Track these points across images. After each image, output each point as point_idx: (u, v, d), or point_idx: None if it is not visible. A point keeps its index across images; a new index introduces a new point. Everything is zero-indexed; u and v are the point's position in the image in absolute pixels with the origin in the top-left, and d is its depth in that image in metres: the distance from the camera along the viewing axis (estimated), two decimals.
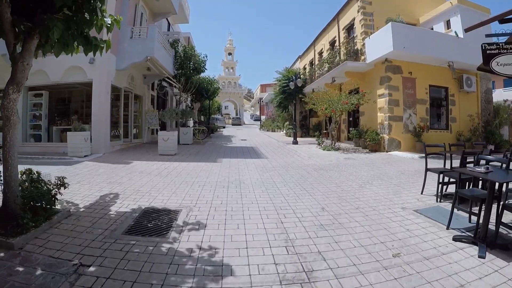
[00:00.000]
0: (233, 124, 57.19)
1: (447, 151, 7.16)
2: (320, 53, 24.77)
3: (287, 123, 27.38)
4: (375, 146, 14.11)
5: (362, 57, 15.73)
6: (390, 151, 13.86)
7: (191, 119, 27.29)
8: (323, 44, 23.96)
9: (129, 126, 16.04)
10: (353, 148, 15.20)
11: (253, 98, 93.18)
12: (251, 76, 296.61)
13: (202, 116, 33.47)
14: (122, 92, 14.89)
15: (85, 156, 10.97)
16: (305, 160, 11.09)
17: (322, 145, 15.14)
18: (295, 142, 17.11)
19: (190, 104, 25.73)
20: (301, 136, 23.06)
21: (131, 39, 13.73)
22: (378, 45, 14.27)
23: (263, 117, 46.14)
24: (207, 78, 23.74)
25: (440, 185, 6.03)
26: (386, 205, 5.56)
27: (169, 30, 21.54)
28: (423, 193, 6.48)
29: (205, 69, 18.45)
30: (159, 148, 11.87)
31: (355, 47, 16.05)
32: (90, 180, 7.29)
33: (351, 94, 14.85)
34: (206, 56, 18.49)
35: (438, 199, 5.96)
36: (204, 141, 19.10)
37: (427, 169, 6.58)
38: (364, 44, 15.62)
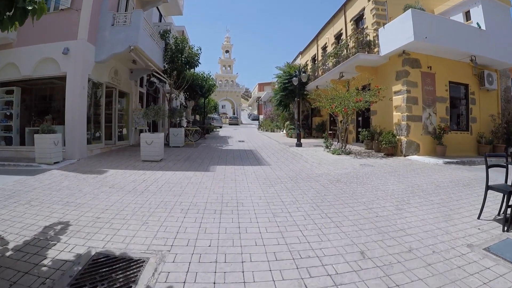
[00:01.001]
0: (230, 124, 55.47)
1: None
2: (324, 48, 23.08)
3: (288, 122, 25.67)
4: (391, 149, 12.41)
5: (375, 50, 14.03)
6: (408, 155, 12.18)
7: (184, 118, 25.54)
8: (327, 38, 22.27)
9: (113, 126, 14.28)
10: (365, 152, 13.52)
11: (250, 97, 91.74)
12: (249, 75, 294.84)
13: (197, 116, 31.67)
14: (104, 87, 13.13)
15: (55, 163, 9.29)
16: (315, 168, 9.36)
17: (331, 148, 13.42)
18: (298, 144, 15.38)
19: (184, 103, 23.91)
20: (304, 137, 21.35)
21: (113, 26, 11.99)
22: (394, 35, 12.57)
23: (261, 117, 44.38)
24: (201, 74, 21.97)
25: (509, 209, 4.42)
26: (446, 241, 3.90)
27: (160, 22, 19.74)
28: (481, 218, 4.81)
29: (199, 63, 16.70)
30: (141, 153, 10.12)
31: (367, 38, 14.32)
32: (44, 199, 5.56)
33: (363, 91, 13.14)
34: (200, 49, 16.72)
35: (505, 228, 4.31)
36: (197, 143, 17.35)
37: (488, 187, 4.86)
38: (377, 35, 13.92)
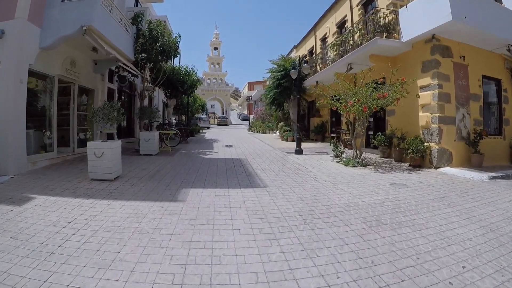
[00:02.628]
0: (219, 124, 52.68)
1: None
2: (324, 39, 20.45)
3: (282, 123, 22.99)
4: (419, 159, 9.78)
5: (394, 35, 11.39)
6: (440, 167, 9.58)
7: (163, 119, 22.72)
8: (328, 27, 19.65)
9: (71, 130, 11.41)
10: (384, 162, 10.90)
11: (240, 96, 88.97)
12: (239, 75, 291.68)
13: (183, 116, 28.64)
14: (55, 82, 10.24)
15: None
16: (332, 192, 6.63)
17: (343, 158, 10.79)
18: (298, 151, 12.67)
19: (165, 101, 21.01)
20: (301, 141, 18.67)
21: (63, 2, 9.18)
22: (422, 16, 9.94)
23: (251, 117, 41.66)
24: (184, 68, 19.13)
25: None
26: None
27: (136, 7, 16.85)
28: None
29: (178, 52, 13.92)
30: (89, 169, 7.30)
31: (385, 20, 11.64)
32: None
33: (381, 86, 10.46)
34: (179, 36, 13.93)
35: None
36: (176, 148, 14.51)
37: None
38: (396, 17, 11.28)
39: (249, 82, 74.51)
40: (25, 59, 8.40)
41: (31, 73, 8.95)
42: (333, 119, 18.67)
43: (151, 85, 13.93)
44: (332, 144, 11.80)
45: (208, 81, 61.66)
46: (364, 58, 12.03)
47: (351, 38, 13.71)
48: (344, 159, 10.49)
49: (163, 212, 5.04)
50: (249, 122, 39.48)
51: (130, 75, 14.45)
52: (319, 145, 16.81)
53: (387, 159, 11.62)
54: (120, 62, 11.45)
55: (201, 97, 45.79)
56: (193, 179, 7.71)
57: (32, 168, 8.68)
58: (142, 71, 13.27)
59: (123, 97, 16.69)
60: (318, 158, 11.69)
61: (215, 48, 63.21)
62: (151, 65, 13.35)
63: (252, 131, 33.69)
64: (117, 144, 7.50)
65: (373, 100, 9.66)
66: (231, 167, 9.66)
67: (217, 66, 62.50)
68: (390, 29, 11.46)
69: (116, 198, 5.86)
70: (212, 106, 73.53)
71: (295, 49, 28.03)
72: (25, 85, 8.43)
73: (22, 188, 6.42)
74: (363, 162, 10.08)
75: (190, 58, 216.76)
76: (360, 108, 9.67)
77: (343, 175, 8.42)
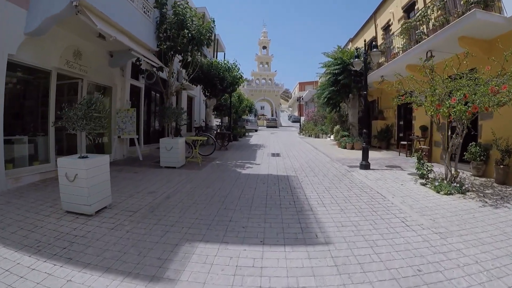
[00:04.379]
0: (268, 127, 50.14)
1: None
2: (386, 28, 17.03)
3: (338, 127, 19.83)
4: None
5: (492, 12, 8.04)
6: None
7: (203, 121, 20.50)
8: (391, 12, 16.25)
9: (79, 136, 9.35)
10: (482, 184, 7.58)
11: (290, 98, 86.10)
12: (289, 76, 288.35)
13: (226, 117, 26.25)
14: (53, 77, 8.18)
15: None
16: (444, 258, 3.56)
17: (431, 180, 7.65)
18: (365, 166, 9.63)
19: (204, 101, 18.75)
20: (361, 148, 15.48)
21: None
22: None
23: (302, 119, 38.64)
24: (223, 63, 16.71)
25: None
26: None
27: None
28: None
29: (211, 41, 11.52)
30: (61, 196, 4.93)
31: None
32: None
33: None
34: (214, 22, 11.50)
35: None
36: (210, 158, 12.07)
37: None
38: None
39: (299, 83, 71.56)
40: (4, 48, 6.34)
41: (14, 66, 6.91)
42: (401, 123, 15.26)
43: (181, 81, 11.59)
44: (415, 157, 8.64)
45: (257, 81, 59.60)
46: (451, 42, 8.74)
47: (429, 18, 10.45)
48: (433, 181, 7.37)
49: None
50: (300, 125, 36.52)
51: (158, 71, 12.17)
52: (385, 154, 13.54)
53: (483, 178, 8.31)
54: (135, 51, 9.17)
55: (249, 98, 43.56)
56: (212, 217, 5.03)
57: (14, 185, 6.67)
58: (169, 64, 10.99)
59: (151, 96, 14.55)
60: (394, 176, 8.57)
61: (264, 47, 61.05)
62: (180, 57, 11.04)
63: (303, 134, 30.80)
64: (97, 162, 5.02)
65: (485, 97, 6.40)
66: (275, 192, 6.88)
67: (266, 65, 60.25)
68: (489, 1, 8.12)
69: (69, 260, 3.42)
70: (262, 108, 71.30)
71: (350, 43, 24.61)
72: (2, 80, 6.34)
73: None
74: (461, 187, 6.86)
75: (238, 59, 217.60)
76: (466, 108, 6.48)
77: (443, 213, 5.34)
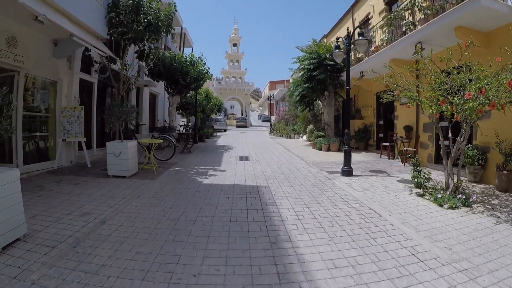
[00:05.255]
0: (237, 126, 48.68)
1: None
2: (365, 22, 15.99)
3: (311, 126, 18.69)
4: None
5: None
6: None
7: (164, 122, 18.85)
8: (371, 5, 15.24)
9: (14, 139, 7.57)
10: (484, 192, 6.49)
11: (261, 97, 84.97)
12: (259, 75, 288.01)
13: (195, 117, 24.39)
14: None
15: None
16: None
17: (431, 191, 6.45)
18: (347, 172, 8.35)
19: (168, 100, 17.01)
20: (338, 150, 14.33)
21: None
22: None
23: (273, 118, 37.47)
24: (188, 56, 15.10)
25: None
26: None
27: None
28: None
29: (171, 28, 9.96)
30: None
31: None
32: None
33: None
34: (175, 6, 9.94)
35: None
36: (169, 162, 10.49)
37: None
38: None
39: (270, 82, 70.35)
40: None
41: None
42: (380, 122, 14.19)
43: (142, 77, 9.95)
44: (399, 160, 7.49)
45: (227, 79, 58.07)
46: (445, 32, 7.69)
47: (421, 6, 9.35)
48: (433, 192, 6.18)
49: None
50: (270, 124, 35.31)
51: (111, 63, 10.43)
52: (365, 157, 12.38)
53: (482, 185, 7.31)
54: (77, 37, 7.49)
55: (218, 96, 41.88)
56: (152, 257, 3.46)
57: None
58: (122, 54, 9.38)
59: (106, 92, 12.72)
60: (382, 185, 7.33)
61: (234, 45, 59.64)
62: (136, 47, 9.47)
63: (274, 134, 29.59)
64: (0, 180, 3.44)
65: (502, 93, 5.21)
66: (242, 210, 5.40)
67: (236, 63, 58.90)
68: None
69: None
70: (232, 107, 69.95)
71: (325, 39, 23.54)
72: None
73: None
74: (469, 200, 5.70)
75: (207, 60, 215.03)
76: (479, 105, 5.25)
77: (457, 236, 4.15)
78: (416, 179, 6.68)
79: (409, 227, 4.55)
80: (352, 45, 9.35)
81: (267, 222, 4.79)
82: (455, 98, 5.47)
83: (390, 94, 6.95)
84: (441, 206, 5.61)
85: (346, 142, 8.58)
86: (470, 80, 5.58)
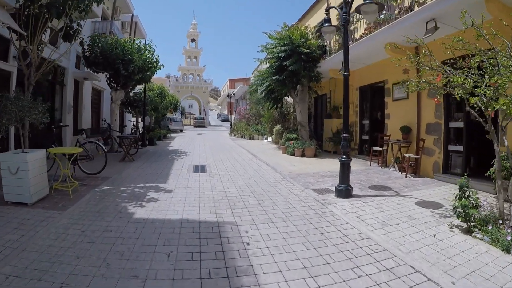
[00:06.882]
0: (195, 126, 45.58)
1: None
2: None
3: (279, 126, 16.34)
4: None
5: None
6: None
7: (104, 122, 15.79)
8: None
9: None
10: None
11: (220, 96, 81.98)
12: (218, 74, 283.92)
13: (150, 117, 21.03)
14: None
15: None
16: None
17: (481, 224, 4.18)
18: (345, 192, 5.92)
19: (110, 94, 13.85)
20: (315, 155, 11.97)
21: None
22: None
23: (232, 117, 34.84)
24: (134, 42, 12.20)
25: None
26: None
27: None
28: None
29: None
30: None
31: None
32: None
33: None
34: None
35: None
36: (99, 177, 7.59)
37: None
38: None
39: (229, 80, 67.74)
40: None
41: None
42: (365, 122, 11.94)
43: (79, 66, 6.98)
44: (395, 169, 5.22)
45: (185, 76, 54.74)
46: (471, 4, 5.51)
47: None
48: (485, 227, 3.94)
49: None
50: (230, 124, 32.64)
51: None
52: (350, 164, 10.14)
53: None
54: None
55: (174, 94, 38.51)
56: None
57: None
58: (35, 29, 6.48)
59: (45, 84, 9.44)
60: (403, 214, 4.91)
61: (193, 40, 56.43)
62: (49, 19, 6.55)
63: (234, 135, 27.01)
64: None
65: None
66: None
67: (194, 60, 55.72)
68: None
69: None
70: (190, 106, 66.36)
71: (299, 22, 21.05)
72: None
73: None
74: None
75: (164, 57, 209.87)
76: None
77: None
78: (462, 210, 4.30)
79: None
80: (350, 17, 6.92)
81: None
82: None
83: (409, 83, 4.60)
84: (509, 252, 3.40)
85: (344, 150, 6.12)
86: None
